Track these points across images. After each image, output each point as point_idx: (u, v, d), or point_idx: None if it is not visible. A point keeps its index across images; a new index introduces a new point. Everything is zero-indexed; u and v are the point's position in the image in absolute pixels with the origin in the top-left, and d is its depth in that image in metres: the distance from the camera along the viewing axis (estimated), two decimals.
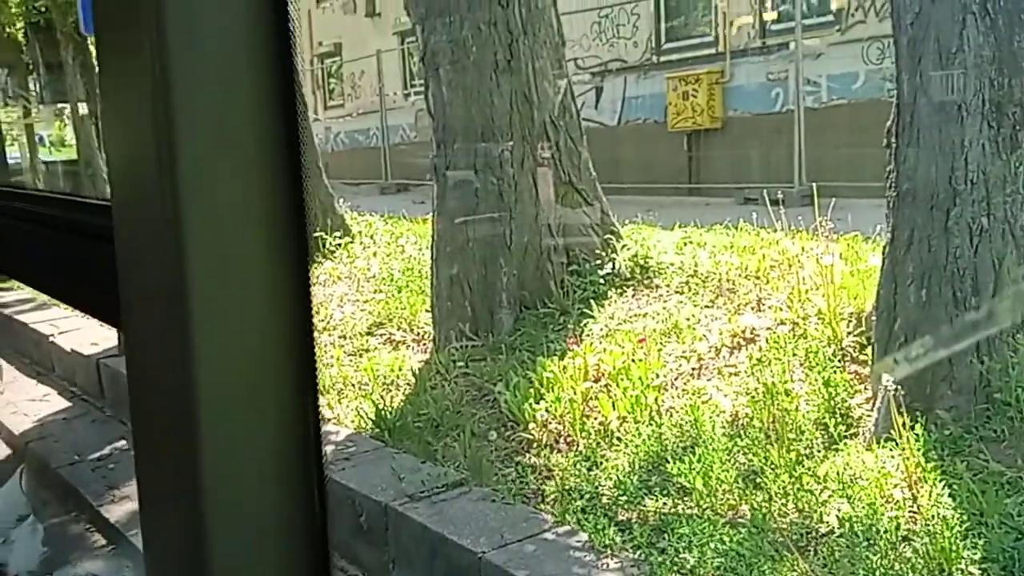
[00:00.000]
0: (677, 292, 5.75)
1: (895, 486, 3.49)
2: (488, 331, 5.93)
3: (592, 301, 5.79)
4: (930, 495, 3.36)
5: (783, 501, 3.53)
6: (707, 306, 5.45)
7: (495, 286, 6.08)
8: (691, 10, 12.79)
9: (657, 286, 5.90)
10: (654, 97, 12.21)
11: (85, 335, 7.41)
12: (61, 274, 1.01)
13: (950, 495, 3.35)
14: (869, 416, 4.03)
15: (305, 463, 0.56)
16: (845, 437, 3.95)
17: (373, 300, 7.05)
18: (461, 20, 6.17)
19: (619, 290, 5.92)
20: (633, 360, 4.85)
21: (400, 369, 5.74)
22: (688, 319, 5.29)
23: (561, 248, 6.22)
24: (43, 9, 13.10)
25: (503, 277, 6.08)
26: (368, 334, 6.50)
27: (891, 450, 3.66)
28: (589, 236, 6.37)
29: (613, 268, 6.06)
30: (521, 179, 6.20)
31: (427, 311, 6.42)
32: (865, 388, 4.27)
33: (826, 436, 3.97)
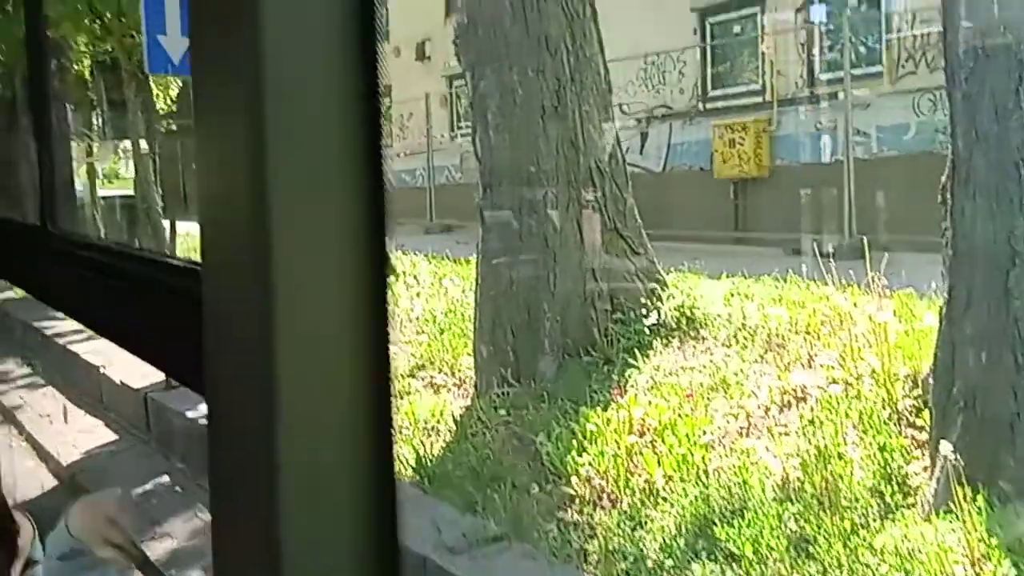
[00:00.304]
0: (725, 345, 5.64)
1: (956, 562, 3.34)
2: (530, 378, 5.87)
3: (637, 351, 5.70)
4: (995, 574, 3.21)
5: (837, 573, 3.40)
6: (756, 361, 5.33)
7: (538, 332, 6.03)
8: (737, 58, 12.79)
9: (704, 338, 5.80)
10: (700, 144, 12.17)
11: (134, 368, 7.48)
12: (143, 332, 1.02)
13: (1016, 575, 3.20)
14: (927, 485, 3.88)
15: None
16: (902, 507, 3.81)
17: (415, 342, 7.03)
18: (510, 66, 6.20)
19: (665, 340, 5.83)
20: (680, 415, 4.75)
21: (441, 414, 5.69)
22: (736, 374, 5.18)
23: (605, 295, 6.16)
24: (110, 49, 13.49)
25: (546, 323, 6.03)
26: (410, 376, 6.47)
27: (951, 523, 3.51)
28: (634, 284, 6.30)
29: (659, 318, 5.97)
30: (565, 224, 6.18)
31: (469, 355, 6.38)
32: (922, 455, 4.12)
33: (882, 504, 3.83)
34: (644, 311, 6.06)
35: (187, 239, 9.79)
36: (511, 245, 6.19)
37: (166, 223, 13.63)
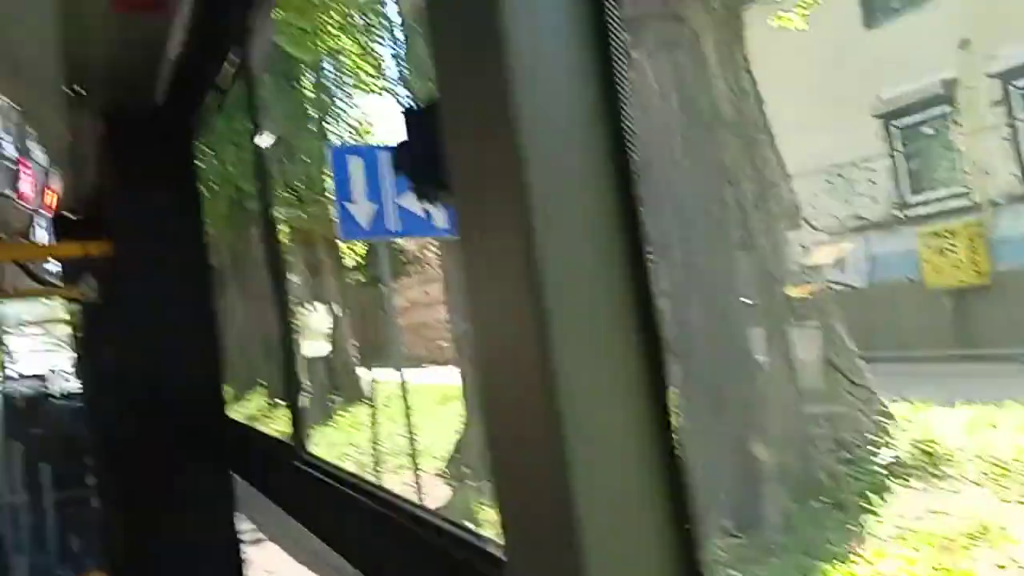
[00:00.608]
0: (976, 484, 4.99)
1: None
2: (753, 525, 5.41)
3: (871, 494, 5.15)
4: None
5: None
6: (1020, 502, 4.66)
7: (755, 475, 5.60)
8: (933, 160, 12.09)
9: (948, 476, 5.17)
10: (905, 255, 11.42)
11: None
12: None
13: None
14: None
15: None
16: None
17: None
18: (690, 201, 6.05)
19: (903, 481, 5.24)
20: (938, 570, 4.17)
21: None
22: (997, 518, 4.53)
23: (827, 432, 5.68)
24: (305, 217, 14.60)
25: (763, 465, 5.60)
26: None
27: None
28: (857, 417, 5.79)
29: (892, 455, 5.41)
30: (774, 360, 5.82)
31: None
32: None
33: None
34: (873, 448, 5.52)
35: (378, 385, 10.03)
36: (714, 384, 5.88)
37: (360, 371, 14.23)
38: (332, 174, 7.47)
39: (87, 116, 2.40)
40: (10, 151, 3.38)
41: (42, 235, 4.42)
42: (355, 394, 13.94)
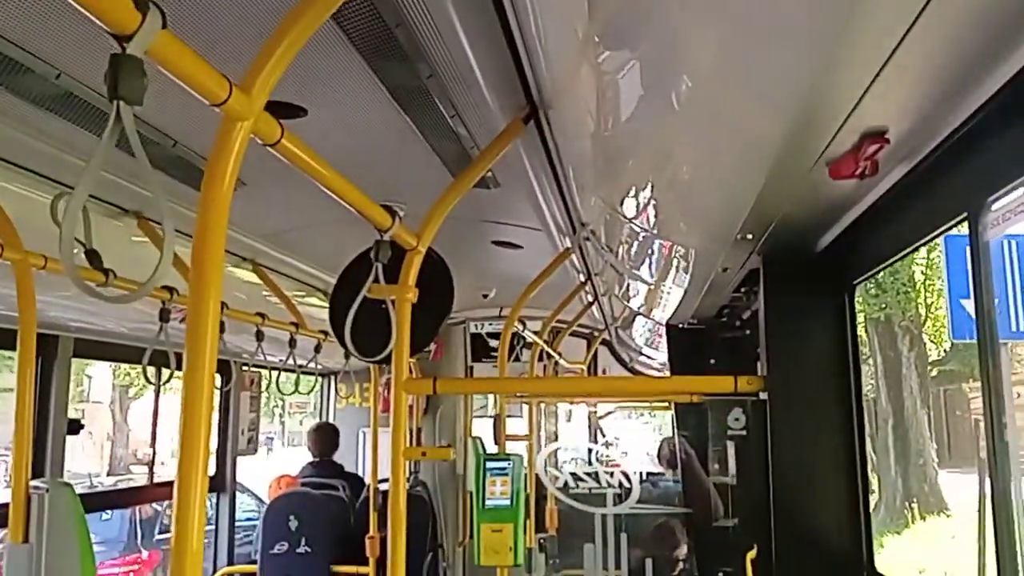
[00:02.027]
0: None
1: None
2: None
3: None
4: None
5: None
6: None
7: None
8: None
9: None
10: None
11: None
12: None
13: None
14: None
15: None
16: None
17: None
18: None
19: None
20: None
21: None
22: None
23: None
24: (883, 306, 13.80)
25: None
26: None
27: None
28: None
29: None
30: None
31: None
32: None
33: None
34: None
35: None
36: None
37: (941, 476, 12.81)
38: (946, 264, 6.89)
39: (743, 252, 2.55)
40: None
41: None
42: (933, 503, 12.68)
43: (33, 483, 2.48)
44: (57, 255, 2.71)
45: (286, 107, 2.45)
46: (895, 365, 14.04)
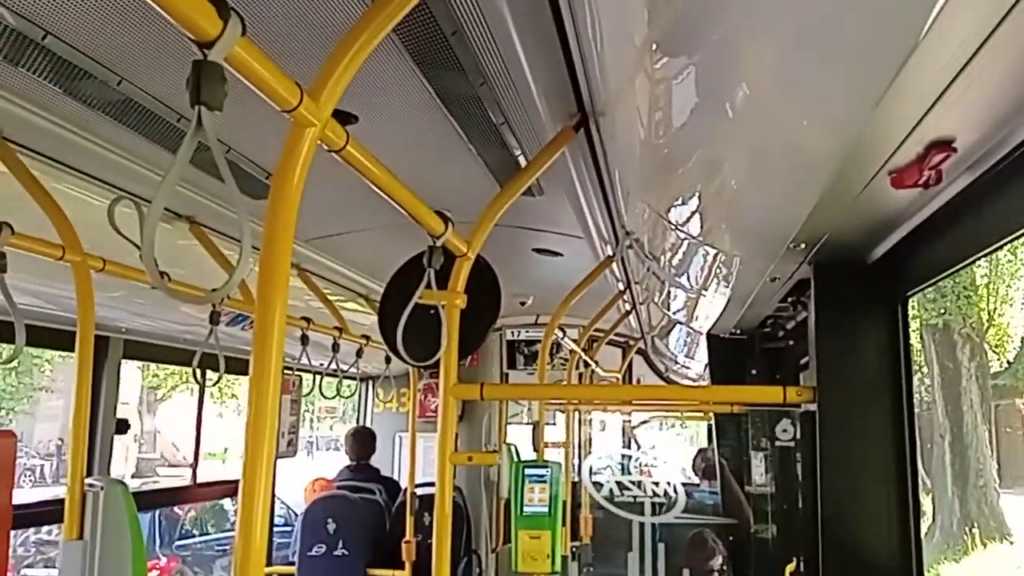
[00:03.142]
0: None
1: None
2: None
3: None
4: None
5: None
6: None
7: None
8: None
9: None
10: None
11: None
12: None
13: None
14: None
15: None
16: None
17: None
18: None
19: None
20: None
21: None
22: None
23: None
24: (942, 311, 13.09)
25: None
26: None
27: None
28: None
29: None
30: None
31: None
32: None
33: None
34: None
35: None
36: None
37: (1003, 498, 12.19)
38: None
39: (793, 261, 2.53)
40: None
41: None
42: (995, 528, 12.17)
43: (88, 481, 2.53)
44: (112, 256, 2.77)
45: (339, 114, 2.49)
46: (954, 376, 13.27)
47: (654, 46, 1.59)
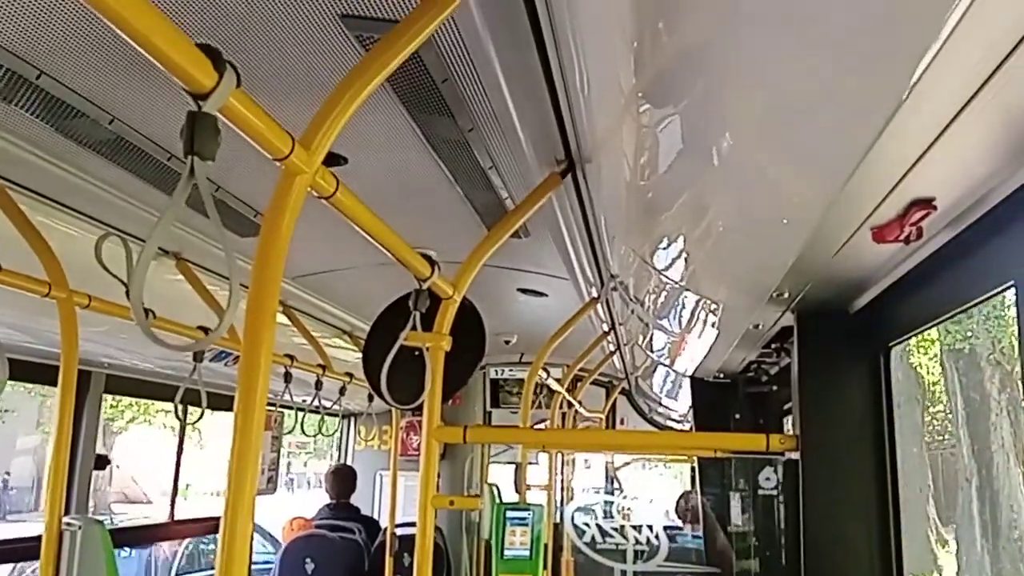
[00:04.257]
0: None
1: None
2: None
3: None
4: None
5: None
6: None
7: None
8: None
9: None
10: None
11: None
12: None
13: None
14: None
15: None
16: None
17: None
18: None
19: None
20: None
21: None
22: None
23: None
24: (967, 334, 12.44)
25: None
26: None
27: None
28: None
29: None
30: None
31: None
32: None
33: None
34: None
35: None
36: None
37: None
38: None
39: (775, 309, 2.56)
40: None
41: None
42: None
43: (66, 520, 2.49)
44: (98, 290, 2.76)
45: (328, 155, 2.51)
46: (981, 409, 12.46)
47: (640, 96, 1.62)
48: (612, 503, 6.95)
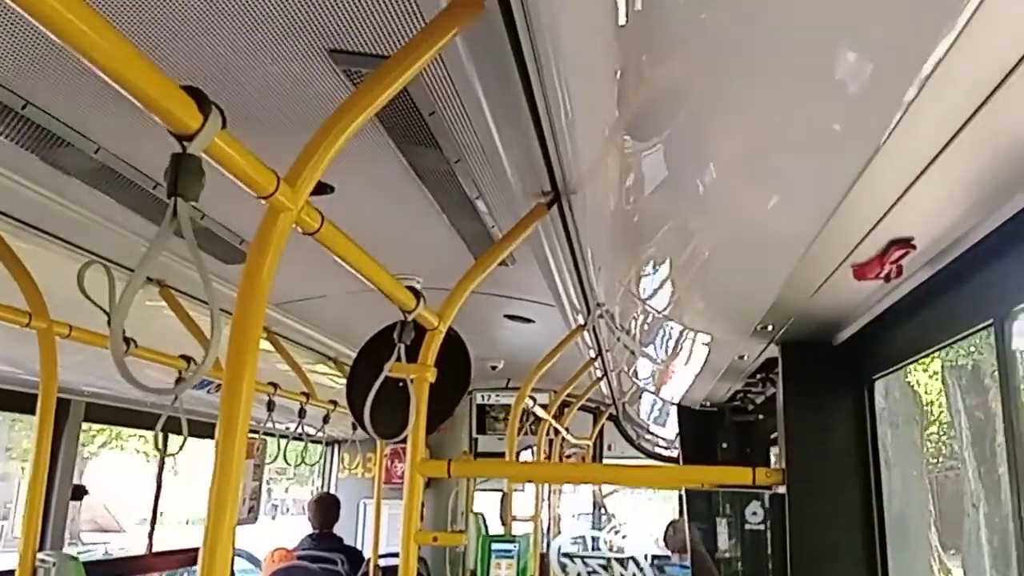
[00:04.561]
0: None
1: None
2: None
3: None
4: None
5: None
6: None
7: None
8: None
9: None
10: None
11: None
12: None
13: None
14: None
15: None
16: None
17: None
18: None
19: None
20: None
21: None
22: None
23: None
24: (971, 349, 11.67)
25: None
26: None
27: None
28: None
29: None
30: None
31: None
32: None
33: None
34: None
35: None
36: None
37: None
38: None
39: (760, 341, 2.56)
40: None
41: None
42: None
43: (40, 556, 2.45)
44: (80, 319, 2.73)
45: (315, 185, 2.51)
46: (986, 429, 11.69)
47: (624, 129, 1.64)
48: (598, 537, 6.91)
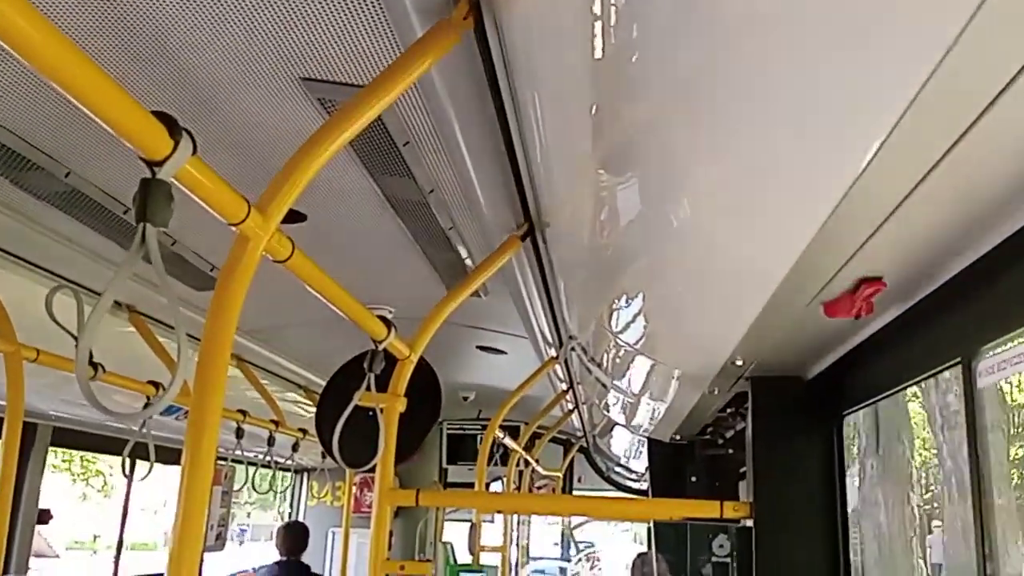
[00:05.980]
0: None
1: None
2: None
3: None
4: None
5: None
6: None
7: None
8: None
9: None
10: None
11: None
12: None
13: None
14: None
15: None
16: None
17: None
18: None
19: None
20: None
21: None
22: None
23: None
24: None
25: None
26: None
27: None
28: None
29: None
30: None
31: None
32: None
33: None
34: None
35: None
36: None
37: None
38: None
39: (730, 376, 2.57)
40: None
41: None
42: None
43: None
44: (47, 347, 2.69)
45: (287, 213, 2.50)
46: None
47: (598, 164, 1.65)
48: (566, 569, 6.86)
